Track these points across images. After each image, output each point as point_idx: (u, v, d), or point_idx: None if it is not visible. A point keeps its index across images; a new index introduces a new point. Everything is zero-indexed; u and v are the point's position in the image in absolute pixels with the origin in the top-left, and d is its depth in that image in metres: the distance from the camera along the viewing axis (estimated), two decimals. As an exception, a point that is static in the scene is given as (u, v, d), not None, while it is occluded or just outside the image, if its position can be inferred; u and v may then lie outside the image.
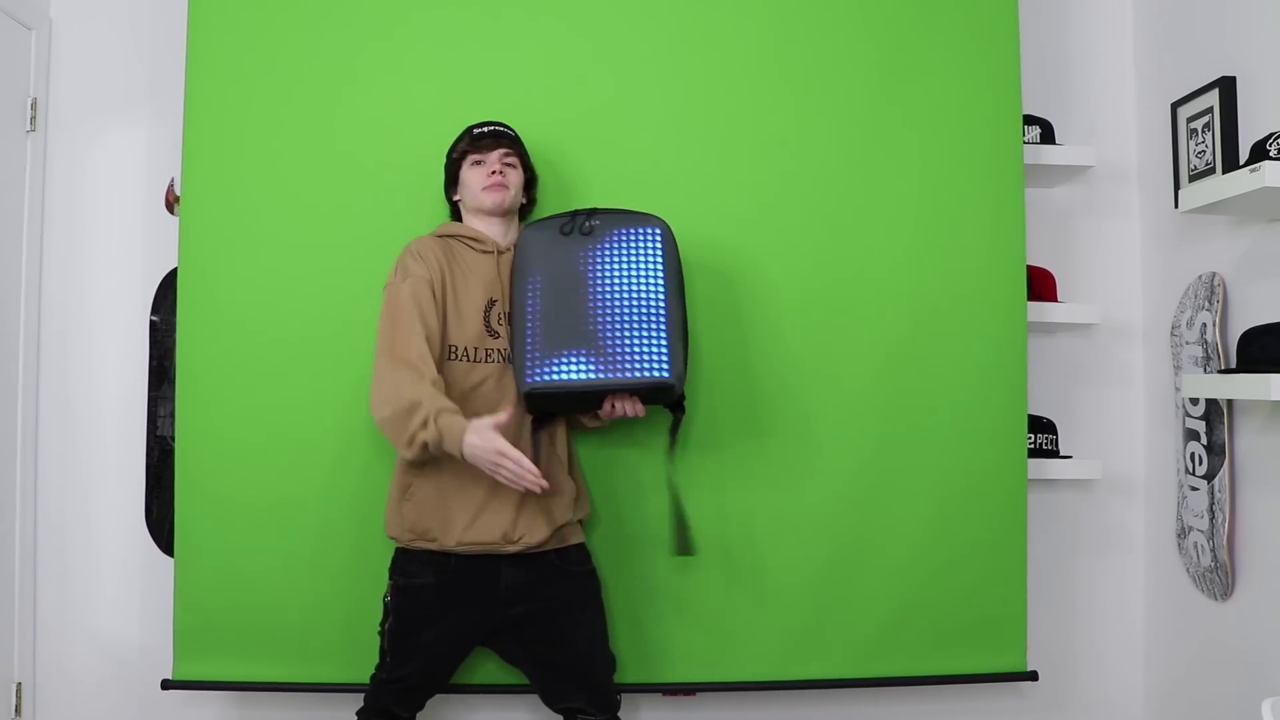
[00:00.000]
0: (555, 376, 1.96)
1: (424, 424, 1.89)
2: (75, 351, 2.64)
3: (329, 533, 2.32)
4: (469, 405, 2.03)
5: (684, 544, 2.18)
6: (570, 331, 1.98)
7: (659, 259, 2.05)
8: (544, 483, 1.91)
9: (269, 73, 2.36)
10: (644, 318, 1.99)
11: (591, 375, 1.96)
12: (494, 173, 2.11)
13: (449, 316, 2.07)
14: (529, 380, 1.97)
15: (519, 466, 1.87)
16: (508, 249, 2.15)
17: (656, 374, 1.97)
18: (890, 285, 2.40)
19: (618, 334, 1.98)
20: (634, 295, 2.01)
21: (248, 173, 2.35)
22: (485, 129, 2.15)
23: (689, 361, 2.18)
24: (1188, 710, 2.49)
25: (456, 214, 2.22)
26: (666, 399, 2.08)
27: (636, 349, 1.97)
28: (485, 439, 1.87)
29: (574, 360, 1.96)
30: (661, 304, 2.01)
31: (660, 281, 2.03)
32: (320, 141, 2.36)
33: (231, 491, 2.31)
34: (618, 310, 2.00)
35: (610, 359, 1.96)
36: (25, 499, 2.58)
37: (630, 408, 2.04)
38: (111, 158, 2.66)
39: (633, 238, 2.06)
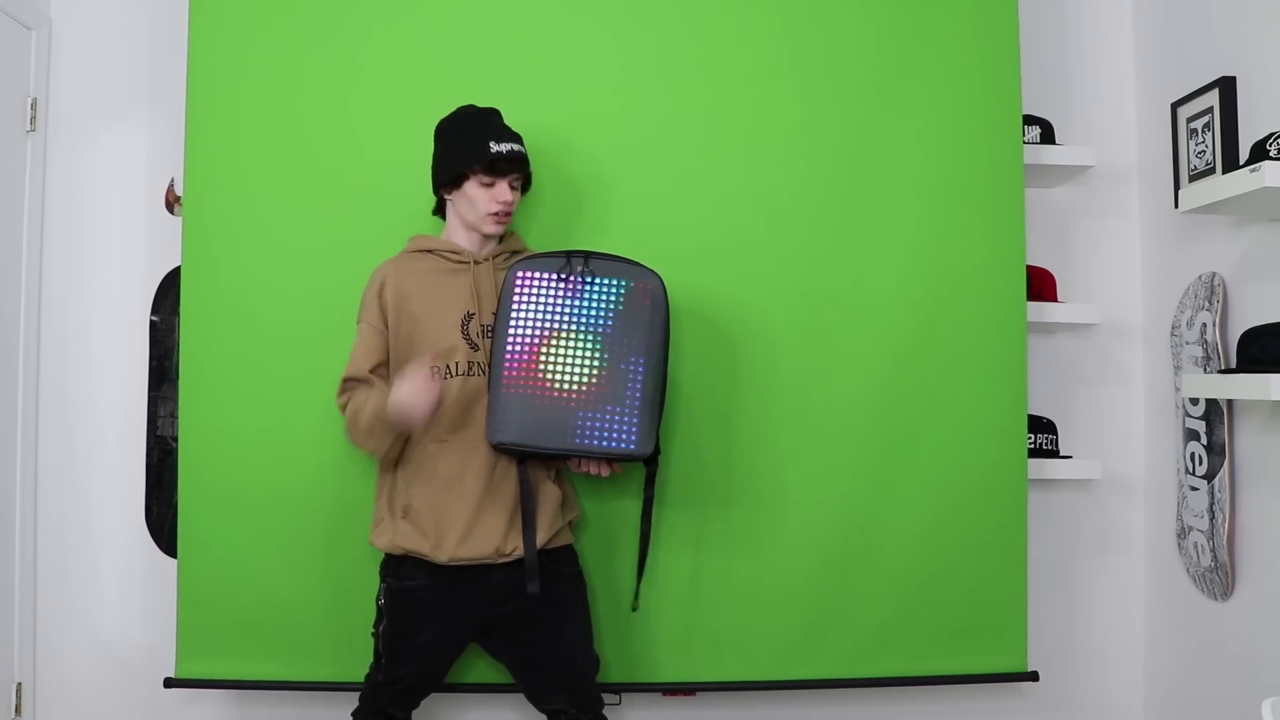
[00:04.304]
0: (522, 436, 1.98)
1: (364, 425, 2.00)
2: (75, 351, 2.64)
3: (332, 531, 2.32)
4: (458, 420, 2.04)
5: (636, 601, 2.28)
6: (541, 394, 1.98)
7: (644, 322, 2.02)
8: (432, 396, 1.91)
9: (270, 71, 2.37)
10: (619, 388, 1.99)
11: (555, 441, 1.98)
12: (504, 201, 2.05)
13: (418, 341, 2.05)
14: (497, 436, 1.99)
15: (420, 395, 1.89)
16: (485, 259, 2.12)
17: (622, 446, 1.98)
18: (890, 285, 2.39)
19: (590, 403, 1.98)
20: (613, 362, 2.00)
21: (250, 170, 2.35)
22: (503, 149, 2.03)
23: (683, 364, 2.16)
24: (1188, 710, 2.49)
25: (441, 207, 2.18)
26: (636, 460, 2.07)
27: (606, 420, 1.98)
28: (395, 399, 1.91)
29: (542, 425, 1.98)
30: (640, 373, 2.00)
31: (641, 348, 2.00)
32: (322, 139, 2.36)
33: (235, 490, 2.32)
34: (593, 380, 1.99)
35: (578, 426, 1.98)
36: (25, 499, 2.58)
37: (595, 468, 2.09)
38: (111, 158, 2.66)
39: (623, 295, 2.02)
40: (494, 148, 2.03)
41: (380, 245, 2.23)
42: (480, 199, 2.06)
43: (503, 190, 2.05)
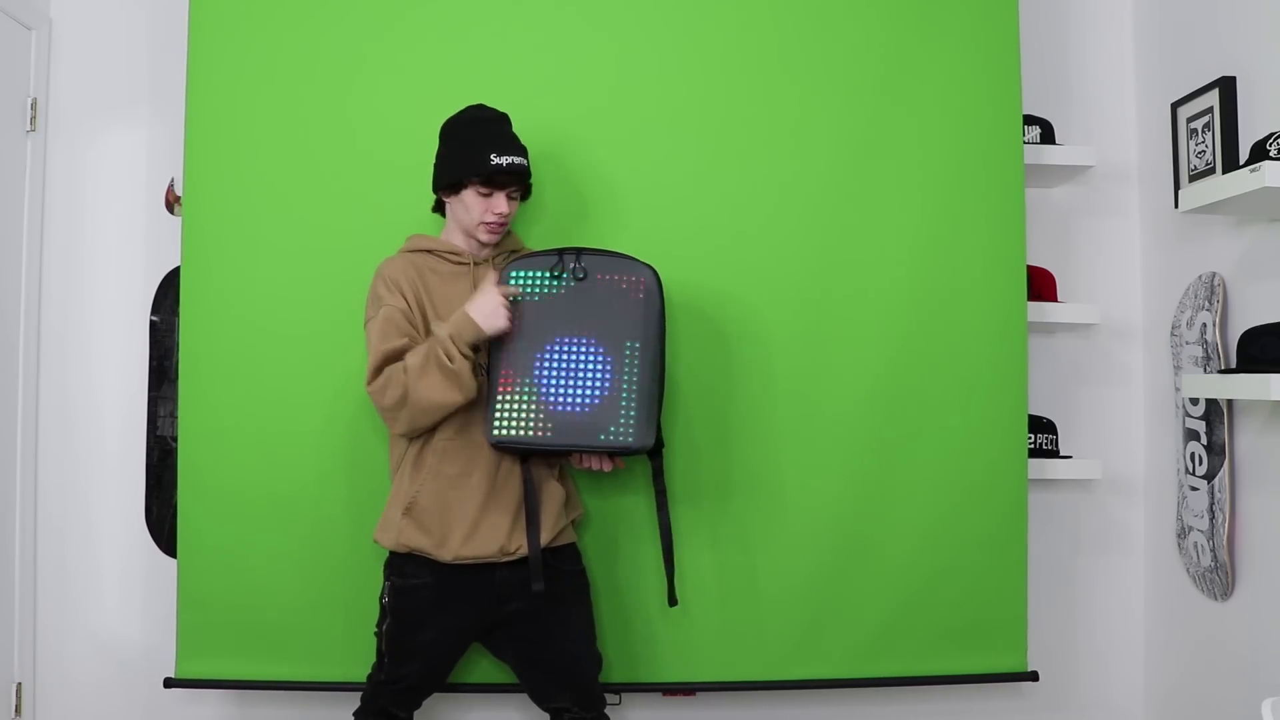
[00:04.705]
0: (520, 433, 1.98)
1: (441, 354, 1.93)
2: (75, 351, 2.64)
3: (332, 531, 2.32)
4: (461, 420, 2.03)
5: (672, 595, 2.20)
6: (540, 390, 1.98)
7: (638, 315, 2.01)
8: (511, 292, 1.98)
9: (270, 71, 2.37)
10: (617, 382, 1.98)
11: (554, 437, 1.98)
12: (500, 213, 2.04)
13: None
14: (494, 434, 1.99)
15: (501, 299, 1.96)
16: (485, 260, 2.12)
17: (620, 440, 1.98)
18: (890, 285, 2.40)
19: (586, 399, 1.98)
20: (608, 357, 2.00)
21: (249, 171, 2.35)
22: (503, 163, 2.01)
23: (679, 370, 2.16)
24: (1188, 710, 2.49)
25: (440, 206, 2.17)
26: (637, 454, 2.06)
27: (605, 414, 1.98)
28: (478, 303, 1.96)
29: (540, 422, 1.98)
30: (635, 366, 1.99)
31: (636, 342, 2.00)
32: (322, 139, 2.36)
33: (234, 489, 2.32)
34: (590, 374, 1.99)
35: (577, 422, 1.98)
36: (25, 499, 2.57)
37: (597, 463, 2.08)
38: (111, 158, 2.66)
39: (616, 288, 2.02)
40: (494, 160, 2.01)
41: (380, 245, 2.23)
42: (476, 208, 2.06)
43: (499, 202, 2.05)
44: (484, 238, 2.09)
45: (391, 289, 2.04)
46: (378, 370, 1.98)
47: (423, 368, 1.94)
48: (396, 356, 1.98)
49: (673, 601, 2.20)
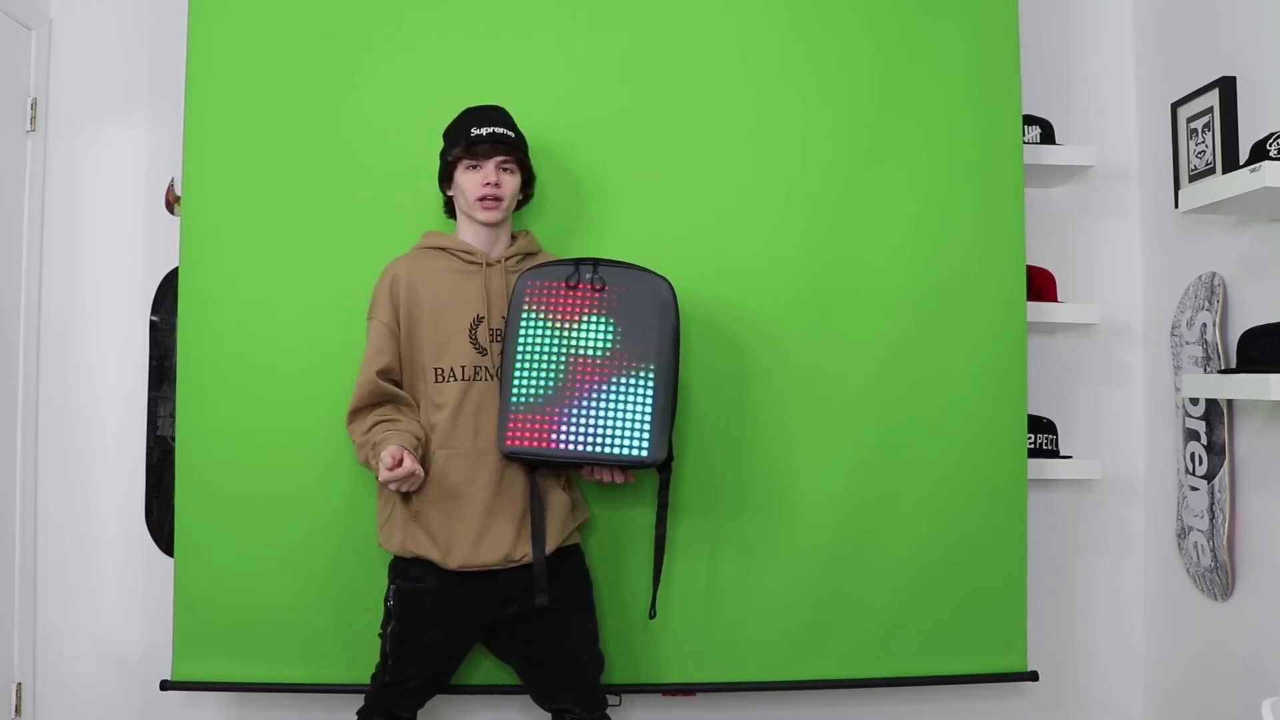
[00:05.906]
0: (533, 444, 1.99)
1: (367, 458, 2.02)
2: (75, 351, 2.64)
3: (329, 533, 2.32)
4: (465, 426, 2.04)
5: (654, 608, 2.24)
6: (554, 401, 1.99)
7: (654, 328, 2.02)
8: (412, 471, 1.92)
9: (270, 72, 2.36)
10: (631, 396, 1.99)
11: (568, 448, 1.99)
12: (489, 184, 2.05)
13: (427, 341, 2.06)
14: (508, 444, 2.00)
15: (396, 475, 1.93)
16: (498, 260, 2.12)
17: (634, 454, 1.99)
18: (890, 285, 2.39)
19: (601, 411, 1.99)
20: (624, 369, 2.00)
21: (249, 172, 2.35)
22: (483, 132, 2.06)
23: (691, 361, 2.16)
24: (1188, 710, 2.49)
25: (450, 207, 2.19)
26: (649, 468, 2.07)
27: (617, 427, 1.98)
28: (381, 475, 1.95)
29: (554, 433, 1.99)
30: (650, 381, 2.00)
31: (652, 355, 2.00)
32: (321, 140, 2.36)
33: (232, 491, 2.31)
34: (606, 386, 2.00)
35: (590, 434, 1.98)
36: (25, 499, 2.57)
37: (608, 475, 2.10)
38: (111, 158, 2.66)
39: (634, 301, 2.02)
40: (474, 132, 2.07)
41: (380, 246, 2.23)
42: (468, 184, 2.08)
43: (489, 172, 2.06)
44: (480, 216, 2.08)
45: (382, 298, 2.09)
46: (360, 388, 2.09)
47: (362, 451, 2.05)
48: (373, 381, 2.06)
49: (653, 614, 2.24)
